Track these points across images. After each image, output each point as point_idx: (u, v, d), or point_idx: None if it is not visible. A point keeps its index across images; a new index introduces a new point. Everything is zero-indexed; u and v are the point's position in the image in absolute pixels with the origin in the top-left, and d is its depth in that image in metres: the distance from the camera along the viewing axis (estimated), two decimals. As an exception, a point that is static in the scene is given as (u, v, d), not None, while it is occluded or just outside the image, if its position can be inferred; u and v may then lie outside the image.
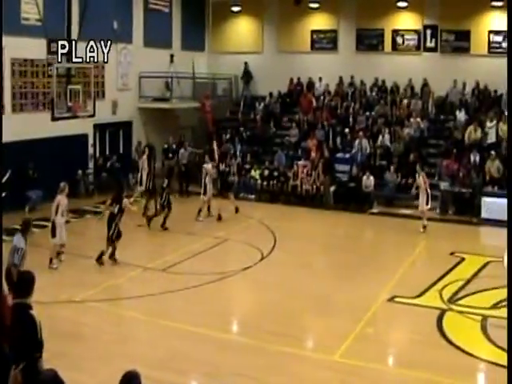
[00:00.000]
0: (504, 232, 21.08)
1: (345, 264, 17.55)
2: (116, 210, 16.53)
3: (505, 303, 13.95)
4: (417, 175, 21.52)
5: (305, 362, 11.33)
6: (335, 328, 12.80)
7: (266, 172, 26.60)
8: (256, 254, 17.86)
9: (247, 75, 32.52)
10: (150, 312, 13.58)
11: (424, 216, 21.14)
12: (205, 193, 22.00)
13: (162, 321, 12.90)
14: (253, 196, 26.05)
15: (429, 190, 21.30)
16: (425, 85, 29.35)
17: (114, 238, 16.46)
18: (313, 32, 31.87)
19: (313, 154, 26.51)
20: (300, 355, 11.60)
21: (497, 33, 28.70)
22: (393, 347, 12.58)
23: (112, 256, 16.62)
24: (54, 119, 19.14)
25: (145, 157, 23.10)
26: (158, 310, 13.68)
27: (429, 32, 29.82)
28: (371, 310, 13.80)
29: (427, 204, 21.15)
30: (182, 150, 27.27)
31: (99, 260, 16.36)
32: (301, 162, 26.35)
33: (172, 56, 30.26)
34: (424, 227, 20.94)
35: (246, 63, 32.30)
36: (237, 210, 22.47)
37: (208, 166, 22.44)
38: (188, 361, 11.16)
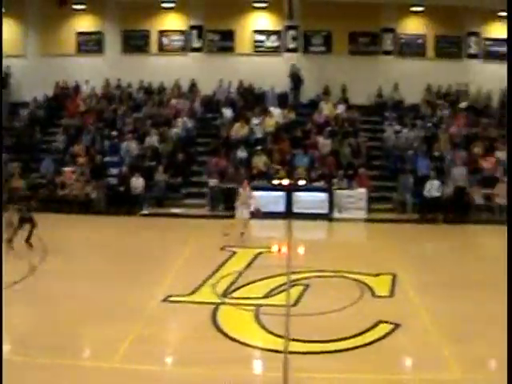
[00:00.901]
0: (271, 223, 21.94)
1: (118, 268, 17.19)
2: None
3: (276, 291, 14.47)
4: (241, 188, 21.20)
5: (82, 372, 10.79)
6: (111, 334, 12.43)
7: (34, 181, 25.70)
8: (27, 265, 16.97)
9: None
10: None
11: (245, 224, 20.72)
12: None
13: None
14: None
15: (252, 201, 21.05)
16: (192, 84, 29.80)
17: None
18: (78, 34, 31.22)
19: (81, 160, 25.95)
20: (77, 366, 11.05)
21: (260, 32, 29.77)
22: (170, 347, 12.45)
23: None
24: None
25: None
26: None
27: (195, 32, 30.38)
28: (146, 311, 13.61)
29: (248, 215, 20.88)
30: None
31: None
32: (68, 169, 25.72)
33: None
34: (242, 234, 20.38)
35: (6, 67, 30.85)
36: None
37: None
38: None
